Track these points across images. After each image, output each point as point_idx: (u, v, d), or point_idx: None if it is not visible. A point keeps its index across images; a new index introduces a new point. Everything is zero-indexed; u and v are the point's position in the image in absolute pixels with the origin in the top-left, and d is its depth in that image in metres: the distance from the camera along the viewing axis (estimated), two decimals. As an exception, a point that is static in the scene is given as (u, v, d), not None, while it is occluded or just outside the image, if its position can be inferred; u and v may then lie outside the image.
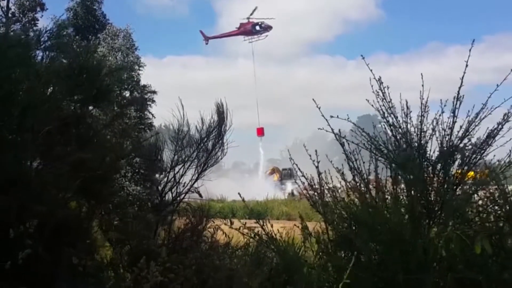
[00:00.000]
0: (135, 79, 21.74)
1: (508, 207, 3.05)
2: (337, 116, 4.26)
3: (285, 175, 71.35)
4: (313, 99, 4.27)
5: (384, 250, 3.24)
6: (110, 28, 21.21)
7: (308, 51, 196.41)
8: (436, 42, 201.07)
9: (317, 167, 4.09)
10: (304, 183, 4.33)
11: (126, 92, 20.43)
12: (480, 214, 3.19)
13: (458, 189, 3.53)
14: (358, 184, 3.73)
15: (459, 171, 3.60)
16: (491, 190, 3.28)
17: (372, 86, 3.90)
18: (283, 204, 41.91)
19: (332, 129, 4.01)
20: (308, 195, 4.08)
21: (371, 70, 3.83)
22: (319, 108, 4.19)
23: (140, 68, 21.99)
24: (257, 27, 77.07)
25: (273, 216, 39.27)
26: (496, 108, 3.67)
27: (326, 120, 4.07)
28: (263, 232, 4.90)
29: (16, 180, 4.50)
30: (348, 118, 4.04)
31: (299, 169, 4.42)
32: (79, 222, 5.06)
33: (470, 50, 3.73)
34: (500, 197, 3.12)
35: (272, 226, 4.99)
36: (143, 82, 22.21)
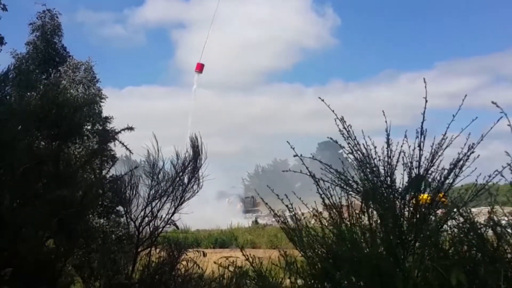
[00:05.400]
0: (97, 111, 21.49)
1: (477, 238, 3.24)
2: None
3: (248, 203, 71.39)
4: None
5: (364, 284, 3.38)
6: (71, 61, 20.96)
7: (266, 80, 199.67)
8: (390, 69, 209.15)
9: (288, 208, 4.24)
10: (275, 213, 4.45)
11: (88, 124, 20.16)
12: (455, 245, 3.37)
13: (429, 217, 3.75)
14: (334, 219, 3.87)
15: (426, 197, 3.82)
16: (461, 219, 3.46)
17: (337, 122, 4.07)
18: (248, 232, 41.77)
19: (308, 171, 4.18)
20: (285, 228, 4.16)
21: (333, 111, 3.93)
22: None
23: (102, 100, 21.80)
24: None
25: (238, 245, 39.04)
26: (456, 137, 3.94)
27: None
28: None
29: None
30: (316, 157, 4.29)
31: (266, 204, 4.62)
32: (57, 260, 5.04)
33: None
34: (470, 228, 3.31)
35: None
36: (104, 114, 21.99)
